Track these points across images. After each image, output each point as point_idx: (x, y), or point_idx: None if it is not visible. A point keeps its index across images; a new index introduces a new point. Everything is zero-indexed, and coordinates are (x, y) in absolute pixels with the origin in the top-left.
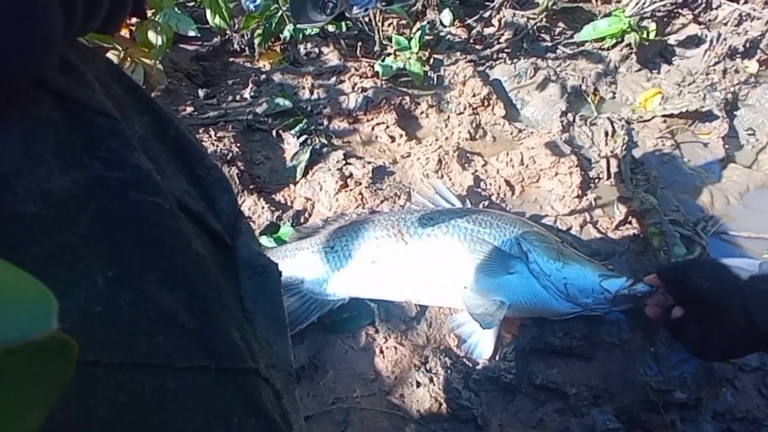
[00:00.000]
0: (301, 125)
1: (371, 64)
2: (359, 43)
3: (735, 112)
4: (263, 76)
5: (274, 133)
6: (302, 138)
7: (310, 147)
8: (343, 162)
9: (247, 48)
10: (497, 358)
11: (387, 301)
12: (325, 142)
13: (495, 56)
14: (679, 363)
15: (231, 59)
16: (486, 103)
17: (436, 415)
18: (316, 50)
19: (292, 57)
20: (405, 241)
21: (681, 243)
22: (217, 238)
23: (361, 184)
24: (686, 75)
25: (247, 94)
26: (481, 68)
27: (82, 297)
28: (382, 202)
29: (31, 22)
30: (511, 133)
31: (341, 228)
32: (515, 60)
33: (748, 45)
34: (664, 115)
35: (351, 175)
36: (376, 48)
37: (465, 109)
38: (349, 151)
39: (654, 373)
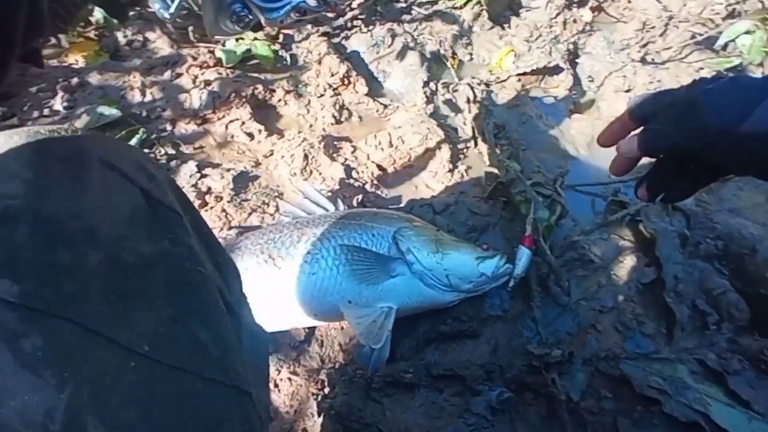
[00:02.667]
0: (138, 137)
1: (210, 50)
2: (191, 26)
3: (576, 62)
4: (76, 79)
5: None
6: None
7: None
8: (198, 175)
9: (51, 38)
10: (395, 359)
11: (272, 332)
12: (173, 152)
13: (349, 25)
14: (553, 319)
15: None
16: (347, 81)
17: None
18: (140, 37)
19: (111, 47)
20: (278, 266)
21: (544, 206)
22: (230, 308)
23: (222, 198)
24: (533, 29)
25: (58, 104)
26: (336, 40)
27: (155, 320)
28: (249, 215)
29: None
30: (377, 111)
31: None
32: (371, 27)
33: None
34: (518, 74)
35: (209, 189)
36: None
37: (325, 90)
38: (202, 159)
39: (533, 334)
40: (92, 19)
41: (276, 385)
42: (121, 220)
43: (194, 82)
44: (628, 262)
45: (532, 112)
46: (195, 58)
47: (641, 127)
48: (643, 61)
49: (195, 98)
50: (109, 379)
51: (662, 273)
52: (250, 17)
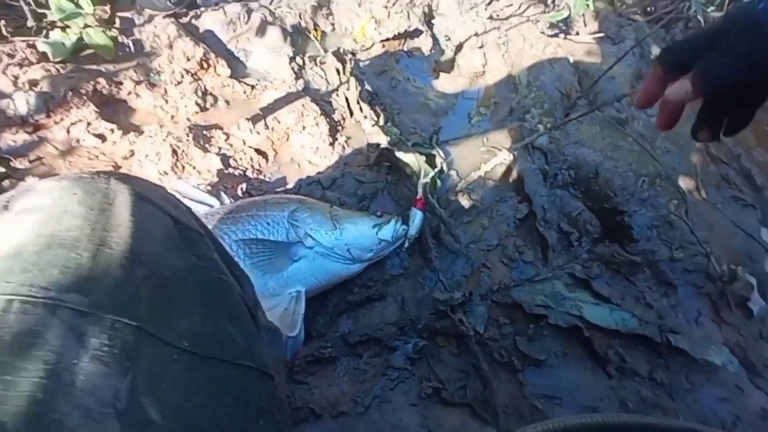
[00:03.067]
0: None
1: (30, 44)
2: (3, 21)
3: (433, 22)
4: None
5: None
6: None
7: None
8: None
9: None
10: (312, 338)
11: None
12: (2, 170)
13: (196, 2)
14: (450, 265)
15: None
16: (205, 65)
17: None
18: None
19: None
20: None
21: (426, 165)
22: (249, 309)
23: None
24: None
25: None
26: (184, 21)
27: (190, 320)
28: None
29: None
30: (244, 92)
31: None
32: (222, 4)
33: None
34: (381, 41)
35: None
36: (31, 22)
37: (183, 76)
38: (43, 172)
39: (434, 283)
40: None
41: None
42: (157, 242)
43: (15, 83)
44: (504, 202)
45: (400, 75)
46: (12, 56)
47: (682, 75)
48: (491, 18)
49: (20, 103)
50: (158, 369)
51: (533, 206)
52: None
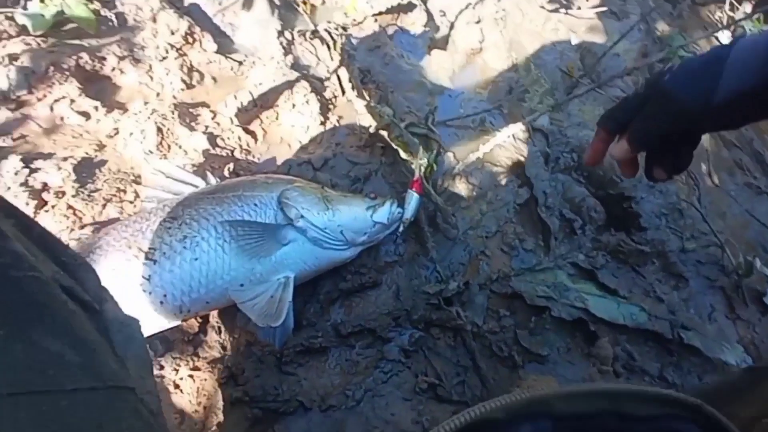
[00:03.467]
0: None
1: (8, 15)
2: None
3: None
4: None
5: None
6: None
7: None
8: (26, 170)
9: None
10: (301, 327)
11: (162, 331)
12: None
13: None
14: (447, 254)
15: None
16: (191, 39)
17: (263, 423)
18: None
19: None
20: (152, 258)
21: (422, 148)
22: (87, 306)
23: (65, 194)
24: None
25: None
26: None
27: None
28: (104, 207)
29: None
30: (231, 69)
31: None
32: None
33: None
34: (374, 15)
35: (45, 186)
36: None
37: (167, 52)
38: (27, 150)
39: (430, 272)
40: None
41: (177, 386)
42: None
43: None
44: (503, 186)
45: (394, 52)
46: None
47: (620, 135)
48: None
49: (1, 78)
50: None
51: (533, 191)
52: None
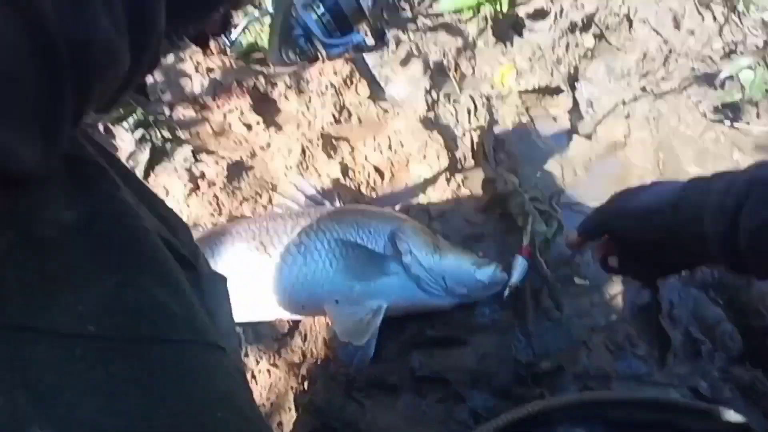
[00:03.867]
0: (136, 116)
1: (216, 39)
2: None
3: (576, 85)
4: None
5: (101, 127)
6: (139, 132)
7: (150, 143)
8: (192, 160)
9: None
10: (379, 360)
11: (256, 321)
12: (168, 135)
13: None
14: (544, 332)
15: None
16: (349, 83)
17: None
18: None
19: None
20: (268, 254)
21: (541, 220)
22: (185, 260)
23: (215, 185)
24: (536, 49)
25: None
26: None
27: (97, 294)
28: (241, 203)
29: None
30: (377, 114)
31: None
32: (345, 54)
33: (585, 20)
34: (519, 91)
35: (203, 175)
36: None
37: (327, 89)
38: (198, 145)
39: (523, 347)
40: None
41: (253, 376)
42: (31, 190)
43: (196, 68)
44: (623, 283)
45: (532, 129)
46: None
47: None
48: (643, 90)
49: (196, 84)
50: (51, 377)
51: (658, 296)
52: (312, 51)
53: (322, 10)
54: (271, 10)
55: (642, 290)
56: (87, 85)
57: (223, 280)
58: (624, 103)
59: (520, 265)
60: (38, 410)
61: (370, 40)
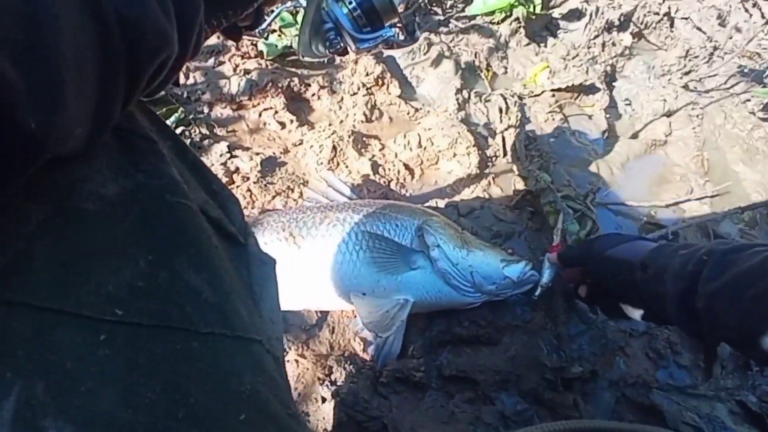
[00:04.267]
0: (177, 115)
1: (254, 42)
2: None
3: (613, 84)
4: None
5: None
6: (179, 130)
7: (189, 140)
8: (228, 155)
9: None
10: (406, 356)
11: (284, 311)
12: (206, 132)
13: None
14: (577, 335)
15: None
16: (380, 82)
17: (344, 429)
18: None
19: None
20: (297, 244)
21: (575, 220)
22: (232, 238)
23: (249, 179)
24: (570, 49)
25: None
26: None
27: (128, 274)
28: (273, 197)
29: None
30: (408, 113)
31: None
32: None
33: (622, 18)
34: (552, 90)
35: (237, 169)
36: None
37: (359, 89)
38: (234, 141)
39: (555, 349)
40: None
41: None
42: (75, 161)
43: (235, 70)
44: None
45: (565, 127)
46: (238, 49)
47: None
48: (685, 87)
49: (234, 85)
50: (72, 364)
51: None
52: (341, 44)
53: (353, 4)
54: (302, 2)
55: None
56: (139, 68)
57: (271, 262)
58: (665, 101)
59: (550, 264)
60: (55, 400)
61: (400, 36)
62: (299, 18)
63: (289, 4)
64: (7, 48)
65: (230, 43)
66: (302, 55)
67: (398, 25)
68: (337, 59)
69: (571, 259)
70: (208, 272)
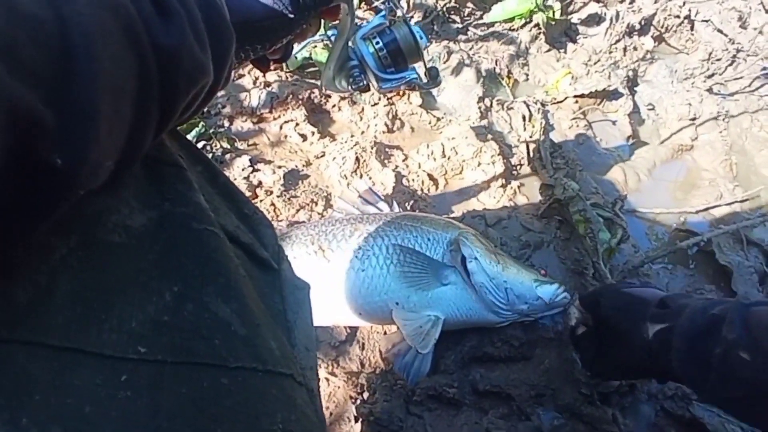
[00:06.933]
0: (197, 129)
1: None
2: None
3: (636, 89)
4: None
5: None
6: (200, 144)
7: (211, 154)
8: (250, 169)
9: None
10: (437, 372)
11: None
12: (228, 146)
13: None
14: None
15: None
16: (401, 92)
17: None
18: None
19: None
20: (327, 258)
21: (604, 228)
22: (265, 264)
23: (272, 192)
24: (591, 54)
25: None
26: None
27: (153, 309)
28: (297, 211)
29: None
30: (430, 123)
31: None
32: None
33: (643, 22)
34: (575, 96)
35: (260, 183)
36: None
37: (379, 99)
38: (255, 155)
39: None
40: None
41: None
42: (101, 192)
43: (255, 82)
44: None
45: (590, 134)
46: None
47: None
48: (709, 91)
49: (254, 97)
50: (90, 408)
51: None
52: (364, 82)
53: (380, 44)
54: (329, 35)
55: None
56: (174, 98)
57: (306, 287)
58: (690, 105)
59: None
60: None
61: (423, 79)
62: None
63: (317, 37)
64: (39, 85)
65: None
66: (325, 88)
67: (422, 67)
68: None
69: (587, 297)
70: (236, 302)
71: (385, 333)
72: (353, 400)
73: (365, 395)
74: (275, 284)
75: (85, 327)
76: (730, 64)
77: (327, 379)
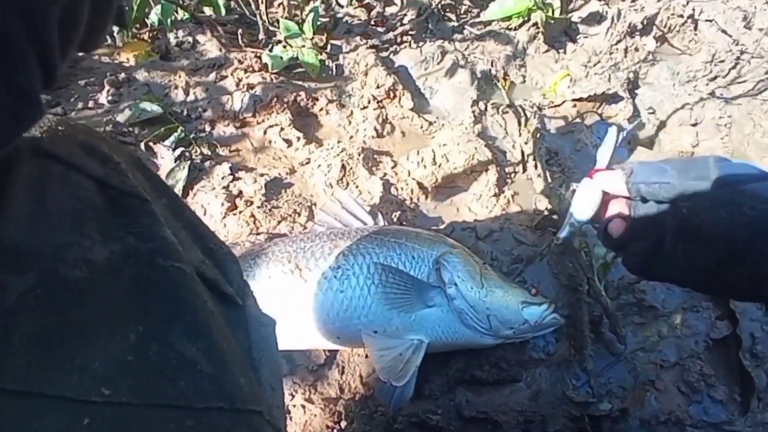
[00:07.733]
0: (176, 135)
1: (257, 54)
2: (241, 30)
3: (636, 92)
4: (123, 75)
5: (142, 146)
6: (178, 151)
7: (189, 161)
8: (230, 177)
9: (107, 37)
10: (421, 397)
11: (289, 350)
12: (208, 153)
13: (398, 39)
14: (606, 369)
15: (82, 53)
16: (392, 95)
17: None
18: (190, 39)
19: (162, 47)
20: (303, 278)
21: (600, 242)
22: (230, 300)
23: (252, 203)
24: (591, 55)
25: (103, 98)
26: (384, 54)
27: (117, 349)
28: (279, 222)
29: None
30: (421, 127)
31: None
32: (421, 43)
33: (645, 22)
34: (573, 99)
35: (240, 193)
36: (262, 35)
37: (369, 102)
38: (237, 162)
39: (581, 383)
40: (147, 21)
41: (288, 412)
42: (61, 225)
43: (238, 84)
44: (695, 312)
45: (588, 140)
46: (241, 62)
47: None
48: (711, 94)
49: (237, 101)
50: None
51: (737, 329)
52: None
53: None
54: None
55: (718, 321)
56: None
57: (271, 323)
58: (691, 108)
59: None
60: None
61: None
62: (305, 27)
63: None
64: None
65: (233, 56)
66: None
67: None
68: (346, 71)
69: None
70: (204, 341)
71: (366, 356)
72: (330, 429)
73: (343, 424)
74: (240, 321)
75: (45, 370)
76: (734, 67)
77: (303, 407)
